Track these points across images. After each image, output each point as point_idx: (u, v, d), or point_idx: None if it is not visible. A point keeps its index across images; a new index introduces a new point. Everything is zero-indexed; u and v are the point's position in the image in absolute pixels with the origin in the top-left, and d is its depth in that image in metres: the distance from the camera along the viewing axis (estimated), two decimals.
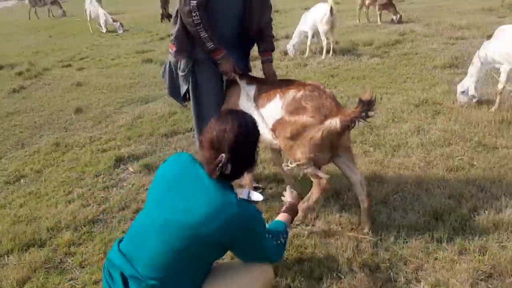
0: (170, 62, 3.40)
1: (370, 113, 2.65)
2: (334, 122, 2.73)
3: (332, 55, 7.97)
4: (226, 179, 1.94)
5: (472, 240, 2.78)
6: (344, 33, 9.89)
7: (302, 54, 8.40)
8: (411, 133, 4.41)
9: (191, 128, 5.03)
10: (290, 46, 8.39)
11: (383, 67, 7.05)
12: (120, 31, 13.44)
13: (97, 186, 3.88)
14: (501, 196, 3.21)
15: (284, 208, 2.43)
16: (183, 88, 3.34)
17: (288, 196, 2.52)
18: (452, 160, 3.79)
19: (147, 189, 3.77)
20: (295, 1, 17.10)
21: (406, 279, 2.56)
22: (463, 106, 5.01)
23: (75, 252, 3.00)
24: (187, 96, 3.44)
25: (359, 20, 11.34)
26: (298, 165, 2.86)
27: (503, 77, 4.79)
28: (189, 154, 2.08)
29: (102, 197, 3.70)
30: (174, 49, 3.18)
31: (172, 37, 3.18)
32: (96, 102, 6.36)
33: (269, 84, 3.15)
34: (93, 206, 3.55)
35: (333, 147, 2.86)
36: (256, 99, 3.07)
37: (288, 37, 9.82)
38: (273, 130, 2.97)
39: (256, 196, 2.51)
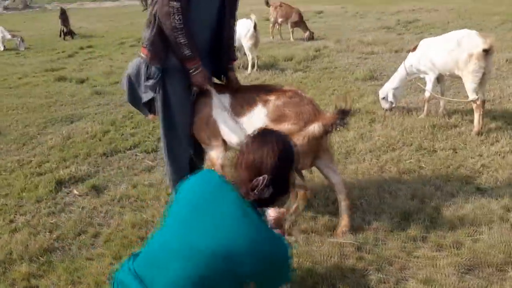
0: (129, 74, 3.22)
1: (347, 120, 2.72)
2: (317, 127, 2.75)
3: (256, 69, 8.09)
4: (259, 204, 1.81)
5: (445, 236, 2.93)
6: (262, 49, 10.08)
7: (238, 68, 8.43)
8: (356, 140, 4.59)
9: (131, 146, 4.80)
10: None
11: (309, 81, 7.28)
12: (22, 48, 12.41)
13: (42, 212, 3.49)
14: (457, 193, 3.44)
15: (271, 225, 2.21)
16: (146, 96, 3.15)
17: (272, 211, 2.36)
18: (402, 164, 3.99)
19: (100, 211, 3.51)
20: None
21: (396, 278, 2.61)
22: (386, 111, 5.37)
23: (38, 285, 2.66)
24: (151, 107, 3.27)
25: (273, 37, 11.67)
26: None
27: (429, 86, 5.17)
28: (217, 173, 1.90)
29: (51, 223, 3.34)
30: (148, 54, 2.98)
31: (145, 42, 2.98)
32: (14, 124, 5.78)
33: (243, 91, 3.08)
34: (44, 234, 3.19)
35: (314, 151, 2.87)
36: (233, 108, 2.98)
37: None
38: None
39: None
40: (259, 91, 3.00)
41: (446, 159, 4.06)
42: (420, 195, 3.43)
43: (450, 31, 5.16)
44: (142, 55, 3.02)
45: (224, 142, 3.13)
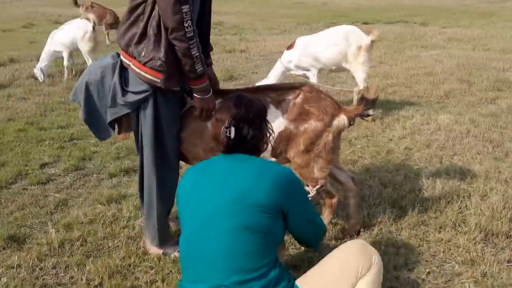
0: (88, 82, 2.45)
1: (370, 112, 2.61)
2: (342, 120, 2.56)
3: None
4: (243, 150, 1.92)
5: (438, 217, 3.04)
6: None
7: (52, 78, 7.25)
8: None
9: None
10: (37, 70, 7.08)
11: None
12: None
13: None
14: (417, 176, 3.64)
15: None
16: (116, 113, 2.45)
17: None
18: (345, 155, 4.03)
19: None
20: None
21: (437, 265, 2.60)
22: None
23: None
24: (115, 126, 2.55)
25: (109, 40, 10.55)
26: (320, 188, 2.49)
27: (314, 80, 5.38)
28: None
29: None
30: (161, 76, 2.31)
31: (156, 62, 2.29)
32: None
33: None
34: None
35: (338, 146, 2.68)
36: None
37: (13, 61, 8.51)
38: (276, 147, 2.52)
39: None
40: (264, 92, 2.62)
41: (373, 147, 4.26)
42: (388, 182, 3.51)
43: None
44: (155, 78, 2.32)
45: None
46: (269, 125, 2.03)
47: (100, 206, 3.21)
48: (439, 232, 2.90)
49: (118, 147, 4.29)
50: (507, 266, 2.57)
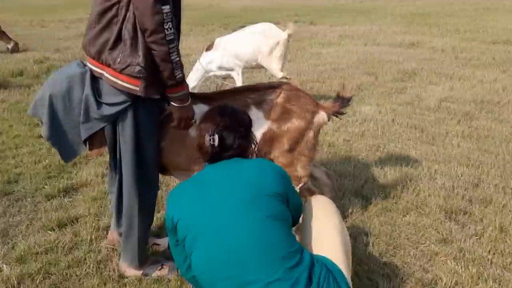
0: (51, 95, 2.17)
1: (345, 110, 2.68)
2: (322, 116, 2.58)
3: None
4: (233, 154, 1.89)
5: (397, 203, 3.19)
6: None
7: None
8: None
9: None
10: None
11: None
12: None
13: None
14: (378, 167, 3.79)
15: None
16: (92, 128, 2.20)
17: None
18: None
19: None
20: None
21: (409, 240, 2.73)
22: None
23: None
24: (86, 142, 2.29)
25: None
26: (302, 186, 2.48)
27: (238, 79, 5.38)
28: None
29: None
30: (141, 84, 2.09)
31: (134, 68, 2.06)
32: None
33: (219, 98, 2.49)
34: None
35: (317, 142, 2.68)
36: None
37: None
38: (260, 149, 2.43)
39: None
40: (244, 93, 2.53)
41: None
42: (344, 173, 3.61)
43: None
44: (134, 87, 2.10)
45: None
46: (253, 135, 2.02)
47: (51, 232, 2.85)
48: (405, 216, 3.04)
49: (46, 166, 3.85)
50: (477, 239, 2.77)
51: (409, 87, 6.31)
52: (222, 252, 1.67)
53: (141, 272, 2.47)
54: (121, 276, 2.47)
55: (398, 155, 3.99)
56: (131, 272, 2.48)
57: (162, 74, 2.11)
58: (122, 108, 2.16)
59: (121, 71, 2.08)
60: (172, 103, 2.23)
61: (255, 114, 2.44)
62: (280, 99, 2.51)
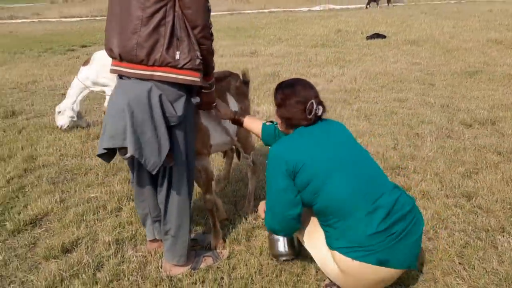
0: (132, 107, 2.16)
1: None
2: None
3: None
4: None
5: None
6: None
7: None
8: None
9: None
10: None
11: None
12: None
13: None
14: None
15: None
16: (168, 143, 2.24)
17: None
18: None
19: None
20: None
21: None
22: (63, 126, 5.25)
23: None
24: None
25: None
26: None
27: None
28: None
29: None
30: (200, 75, 2.24)
31: (196, 61, 2.17)
32: None
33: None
34: None
35: None
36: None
37: None
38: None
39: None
40: (224, 80, 2.91)
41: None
42: None
43: None
44: (195, 78, 2.21)
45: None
46: None
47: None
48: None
49: None
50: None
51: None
52: (361, 176, 2.13)
53: (187, 268, 2.55)
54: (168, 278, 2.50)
55: None
56: (177, 270, 2.53)
57: (207, 64, 2.29)
58: (185, 104, 2.25)
59: (182, 66, 2.16)
60: (204, 90, 2.43)
61: (231, 98, 2.89)
62: (238, 83, 2.99)
